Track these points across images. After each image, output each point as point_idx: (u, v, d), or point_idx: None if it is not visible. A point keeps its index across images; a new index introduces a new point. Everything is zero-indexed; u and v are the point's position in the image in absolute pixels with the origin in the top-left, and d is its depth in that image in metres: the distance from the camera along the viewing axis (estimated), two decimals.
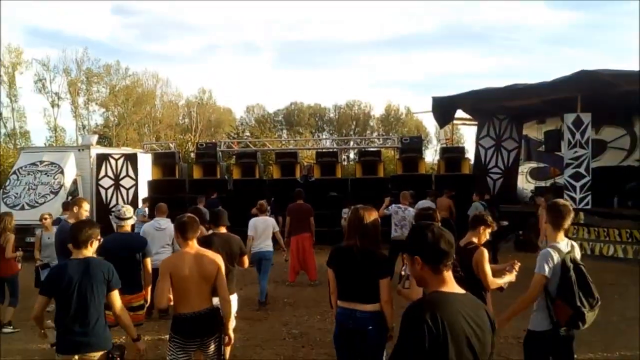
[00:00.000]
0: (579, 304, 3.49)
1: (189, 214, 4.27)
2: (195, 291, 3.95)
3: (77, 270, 3.63)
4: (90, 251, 3.78)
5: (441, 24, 76.17)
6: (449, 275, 2.16)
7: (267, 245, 8.54)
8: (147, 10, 71.90)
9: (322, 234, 11.33)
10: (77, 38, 66.78)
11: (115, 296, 3.77)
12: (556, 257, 3.61)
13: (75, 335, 3.60)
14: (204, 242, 4.75)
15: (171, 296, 4.01)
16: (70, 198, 14.25)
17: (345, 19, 76.49)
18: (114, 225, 5.80)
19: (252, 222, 8.59)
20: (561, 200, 3.95)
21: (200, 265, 3.97)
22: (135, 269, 5.37)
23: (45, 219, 8.21)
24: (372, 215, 3.80)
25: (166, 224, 7.52)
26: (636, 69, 11.62)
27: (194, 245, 4.07)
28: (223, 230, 5.44)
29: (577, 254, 3.78)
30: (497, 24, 74.74)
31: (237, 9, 75.72)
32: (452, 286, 2.16)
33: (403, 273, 4.03)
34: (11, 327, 7.28)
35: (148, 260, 5.48)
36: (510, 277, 4.32)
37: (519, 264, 4.37)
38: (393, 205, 9.39)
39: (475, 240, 4.49)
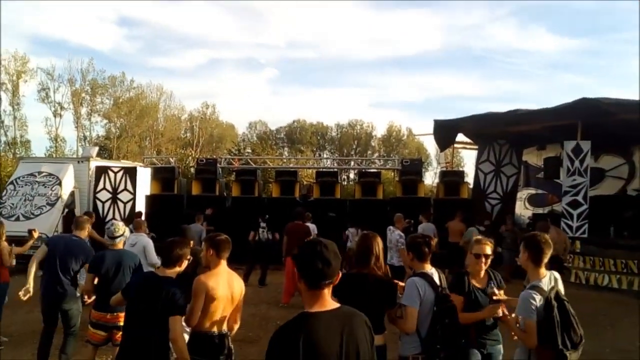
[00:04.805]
0: (561, 346, 3.33)
1: (224, 235, 4.14)
2: (222, 312, 3.93)
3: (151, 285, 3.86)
4: (175, 270, 3.99)
5: (442, 46, 76.92)
6: (326, 293, 2.17)
7: None
8: (151, 22, 72.64)
9: None
10: (83, 48, 67.29)
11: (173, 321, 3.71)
12: (538, 299, 3.44)
13: None
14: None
15: None
16: (66, 211, 14.17)
17: (346, 38, 77.30)
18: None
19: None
20: (539, 233, 3.82)
21: (231, 288, 3.97)
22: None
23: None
24: (381, 242, 3.79)
25: (136, 240, 7.28)
26: (636, 97, 11.65)
27: (225, 265, 4.06)
28: None
29: (561, 287, 3.66)
30: (498, 47, 75.56)
31: (239, 25, 76.54)
32: (326, 304, 2.16)
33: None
34: None
35: None
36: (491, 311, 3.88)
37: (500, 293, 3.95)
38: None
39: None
